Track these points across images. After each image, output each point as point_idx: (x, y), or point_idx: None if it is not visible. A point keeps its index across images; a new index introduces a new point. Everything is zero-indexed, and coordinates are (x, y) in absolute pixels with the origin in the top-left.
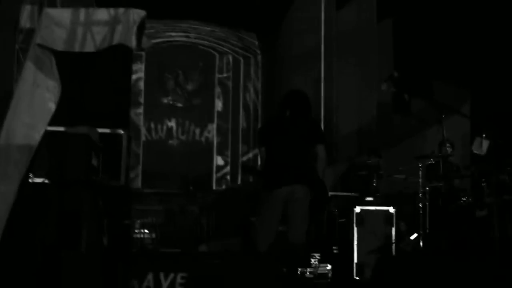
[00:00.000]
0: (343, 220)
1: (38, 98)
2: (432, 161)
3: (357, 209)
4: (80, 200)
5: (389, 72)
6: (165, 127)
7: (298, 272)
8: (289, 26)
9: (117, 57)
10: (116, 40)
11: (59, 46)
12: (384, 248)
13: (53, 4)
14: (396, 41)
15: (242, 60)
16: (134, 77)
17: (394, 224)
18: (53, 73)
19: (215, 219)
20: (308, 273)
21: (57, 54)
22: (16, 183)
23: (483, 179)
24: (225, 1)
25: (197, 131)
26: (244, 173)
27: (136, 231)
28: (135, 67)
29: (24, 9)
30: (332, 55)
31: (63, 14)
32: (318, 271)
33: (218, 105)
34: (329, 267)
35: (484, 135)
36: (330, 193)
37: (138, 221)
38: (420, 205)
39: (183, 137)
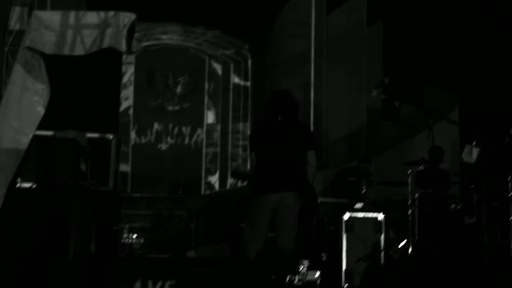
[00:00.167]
0: (332, 227)
1: (27, 102)
2: (421, 167)
3: (346, 215)
4: (68, 206)
5: (379, 77)
6: (154, 131)
7: (287, 279)
8: (279, 30)
9: (106, 60)
10: (106, 43)
11: (49, 49)
12: (373, 255)
13: (43, 7)
14: (386, 46)
15: (232, 64)
16: (123, 80)
17: (383, 231)
18: (42, 77)
19: (204, 224)
20: (296, 280)
21: (46, 57)
22: (4, 188)
23: (472, 186)
24: (215, 5)
25: (187, 135)
26: (234, 177)
27: (124, 236)
28: (124, 69)
29: (14, 10)
30: (322, 59)
31: (52, 17)
32: (307, 278)
33: (208, 108)
34: (317, 274)
35: (474, 143)
36: (319, 199)
37: (127, 225)
38: (409, 212)
39: (172, 141)
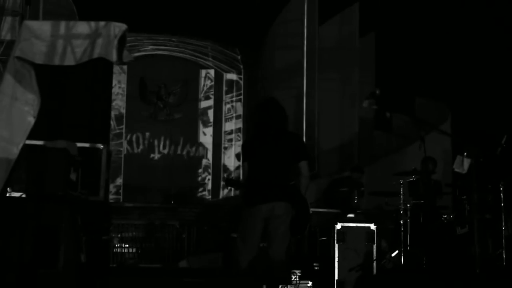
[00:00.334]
0: (324, 237)
1: (17, 112)
2: (413, 178)
3: (338, 225)
4: (58, 216)
5: (371, 88)
6: (146, 141)
7: None
8: (272, 41)
9: (97, 70)
10: (97, 53)
11: (39, 59)
12: (365, 265)
13: (35, 17)
14: (378, 57)
15: (224, 74)
16: (115, 90)
17: (375, 241)
18: (32, 86)
19: (196, 234)
20: None
21: (36, 67)
22: None
23: (464, 197)
24: (208, 16)
25: (179, 145)
26: (227, 186)
27: (116, 245)
28: (116, 80)
29: (5, 20)
30: (314, 70)
31: (43, 27)
32: None
33: (200, 119)
34: (310, 284)
35: (465, 154)
36: (312, 210)
37: (119, 235)
38: (402, 222)
39: (164, 151)
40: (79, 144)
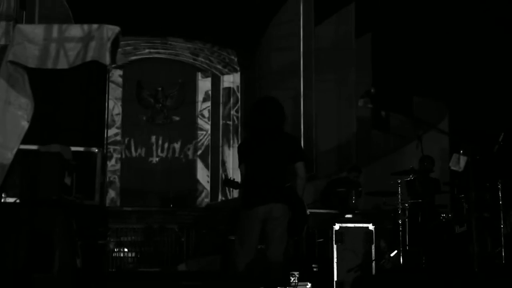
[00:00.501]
0: (322, 239)
1: (11, 116)
2: (411, 177)
3: (336, 226)
4: (52, 220)
5: (368, 87)
6: (144, 144)
7: None
8: (268, 42)
9: (91, 73)
10: (90, 56)
11: (32, 63)
12: (364, 266)
13: (31, 22)
14: (374, 57)
15: (221, 77)
16: (112, 94)
17: (374, 241)
18: (26, 91)
19: (194, 237)
20: None
21: (30, 71)
22: None
23: (462, 195)
24: (204, 18)
25: (177, 148)
26: (225, 186)
27: (115, 249)
28: (114, 83)
29: None
30: (311, 71)
31: (35, 31)
32: None
33: (198, 121)
34: (308, 285)
35: (461, 151)
36: (309, 211)
37: (118, 239)
38: (400, 222)
39: (162, 154)
40: (73, 148)
